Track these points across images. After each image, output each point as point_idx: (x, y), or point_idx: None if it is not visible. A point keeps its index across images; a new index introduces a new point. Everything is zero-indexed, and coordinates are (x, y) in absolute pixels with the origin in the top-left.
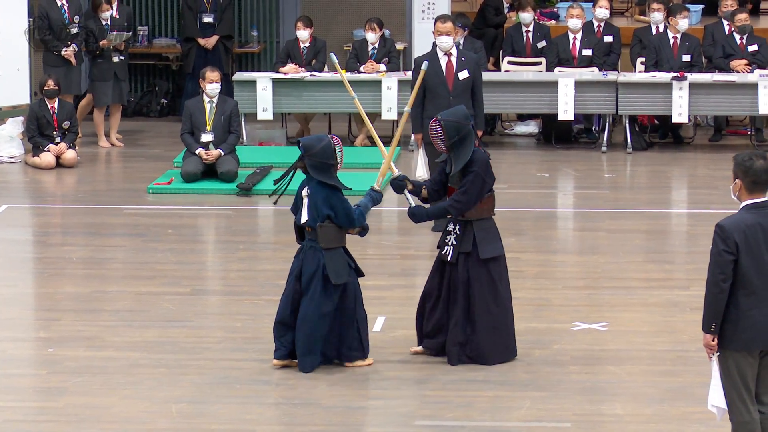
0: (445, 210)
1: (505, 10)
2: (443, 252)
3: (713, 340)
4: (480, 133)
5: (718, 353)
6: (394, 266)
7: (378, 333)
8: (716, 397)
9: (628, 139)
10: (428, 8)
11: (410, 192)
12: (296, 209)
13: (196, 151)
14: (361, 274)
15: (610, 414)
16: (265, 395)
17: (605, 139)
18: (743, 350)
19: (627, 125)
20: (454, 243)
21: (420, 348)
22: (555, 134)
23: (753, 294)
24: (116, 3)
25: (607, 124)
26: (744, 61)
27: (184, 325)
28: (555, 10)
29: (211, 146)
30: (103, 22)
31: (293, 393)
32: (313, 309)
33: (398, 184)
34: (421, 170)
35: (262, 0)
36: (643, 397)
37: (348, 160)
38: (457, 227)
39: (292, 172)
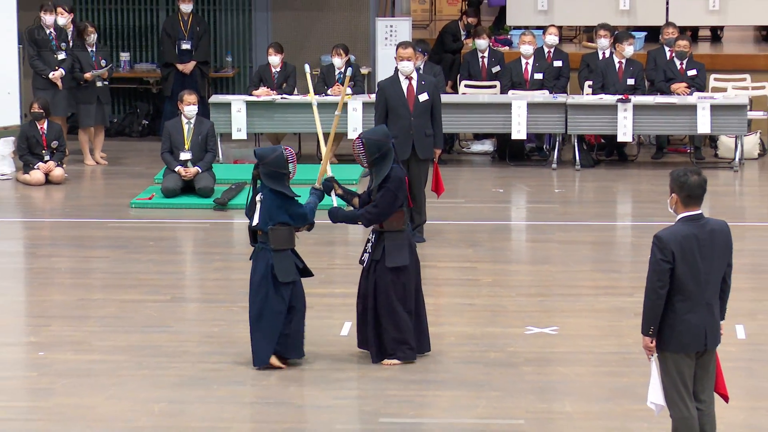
0: (357, 217)
1: (462, 37)
2: (362, 258)
3: (651, 342)
4: (439, 151)
5: (657, 354)
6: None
7: (345, 337)
8: (654, 395)
9: (577, 157)
10: (391, 35)
11: (339, 196)
12: (251, 214)
13: (176, 169)
14: (310, 274)
15: (560, 411)
16: (240, 395)
17: (555, 156)
18: (681, 352)
19: (575, 144)
20: (369, 251)
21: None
22: (509, 152)
23: (688, 299)
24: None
25: (557, 142)
26: (684, 85)
27: (165, 330)
28: (508, 37)
29: (189, 164)
30: (89, 49)
31: (266, 393)
32: (269, 308)
33: (327, 185)
34: None
35: (236, 28)
36: (591, 396)
37: (314, 177)
38: (373, 237)
39: (252, 184)
